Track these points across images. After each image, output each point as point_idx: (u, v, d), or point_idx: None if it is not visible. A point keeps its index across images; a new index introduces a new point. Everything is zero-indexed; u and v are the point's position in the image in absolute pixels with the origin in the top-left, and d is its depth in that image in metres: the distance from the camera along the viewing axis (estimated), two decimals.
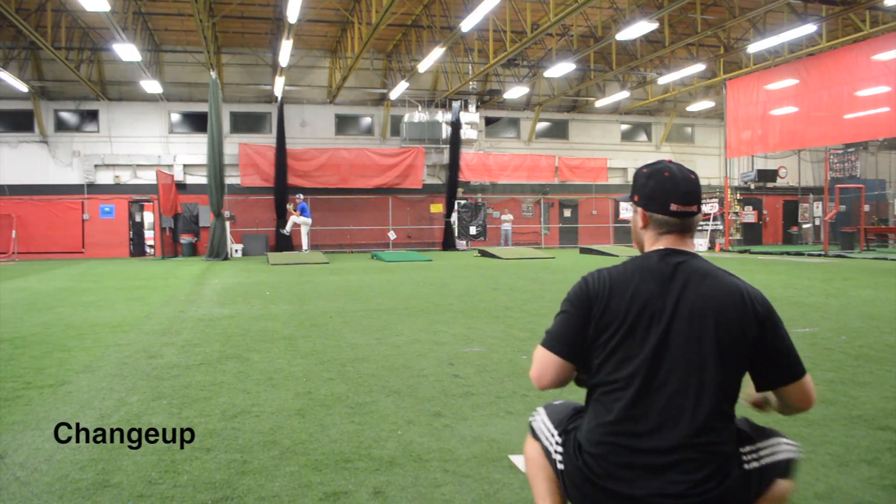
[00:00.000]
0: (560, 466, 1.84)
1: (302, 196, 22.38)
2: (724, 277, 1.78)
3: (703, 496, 1.63)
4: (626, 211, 29.26)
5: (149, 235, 25.81)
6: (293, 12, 15.32)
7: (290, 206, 22.96)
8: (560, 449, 1.85)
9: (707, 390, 1.69)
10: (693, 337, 1.71)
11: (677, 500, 1.63)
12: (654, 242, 1.85)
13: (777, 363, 1.76)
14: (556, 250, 25.61)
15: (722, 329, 1.71)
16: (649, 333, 1.72)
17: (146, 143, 24.96)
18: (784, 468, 1.79)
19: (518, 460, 2.93)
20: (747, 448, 1.77)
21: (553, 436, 1.89)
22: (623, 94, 26.29)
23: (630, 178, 25.35)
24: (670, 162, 1.89)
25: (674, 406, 1.68)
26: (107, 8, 14.16)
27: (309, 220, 21.99)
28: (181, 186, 24.73)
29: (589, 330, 1.78)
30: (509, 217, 27.17)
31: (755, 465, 1.75)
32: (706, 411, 1.68)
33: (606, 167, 28.86)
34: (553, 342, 1.83)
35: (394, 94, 24.65)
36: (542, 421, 1.95)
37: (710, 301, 1.72)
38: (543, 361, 1.84)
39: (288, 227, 22.20)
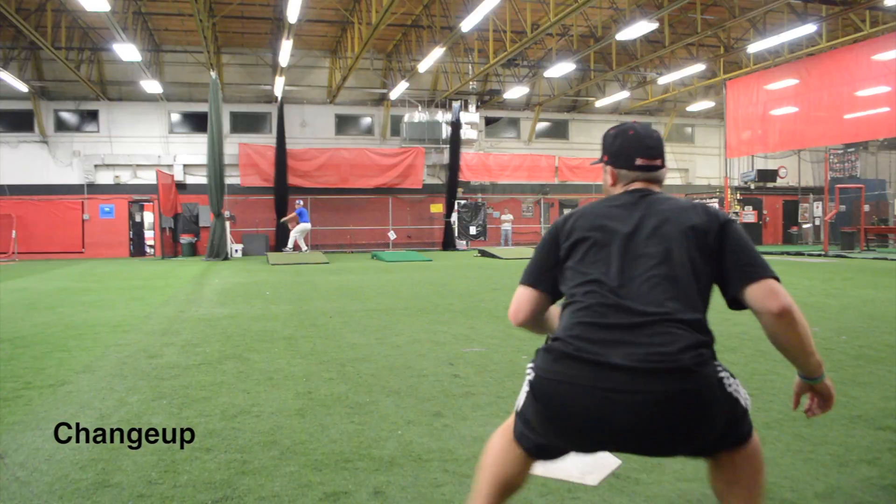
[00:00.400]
0: (529, 376, 1.82)
1: (301, 202, 21.98)
2: (686, 200, 1.95)
3: (676, 363, 1.63)
4: None
5: (149, 235, 25.80)
6: (293, 12, 15.32)
7: (291, 216, 22.12)
8: (531, 364, 1.84)
9: (679, 282, 1.75)
10: (660, 237, 1.80)
11: (649, 364, 1.63)
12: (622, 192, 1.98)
13: (739, 262, 1.79)
14: None
15: (686, 229, 1.80)
16: (617, 238, 1.83)
17: (146, 143, 24.96)
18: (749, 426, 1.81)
19: None
20: (727, 374, 1.76)
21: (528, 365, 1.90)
22: (623, 94, 26.28)
23: None
24: (634, 122, 2.03)
25: (648, 290, 1.74)
26: (107, 8, 14.17)
27: (308, 226, 21.61)
28: (181, 186, 24.73)
29: (560, 254, 1.90)
30: (509, 217, 27.16)
31: (732, 389, 1.74)
32: (681, 298, 1.73)
33: None
34: (526, 276, 1.98)
35: (394, 94, 24.65)
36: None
37: (673, 212, 1.85)
38: (519, 296, 1.98)
39: (290, 244, 21.74)
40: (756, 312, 1.78)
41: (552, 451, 1.88)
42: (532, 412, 1.81)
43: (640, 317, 1.70)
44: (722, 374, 1.72)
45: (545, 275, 1.93)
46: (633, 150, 1.95)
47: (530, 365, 1.83)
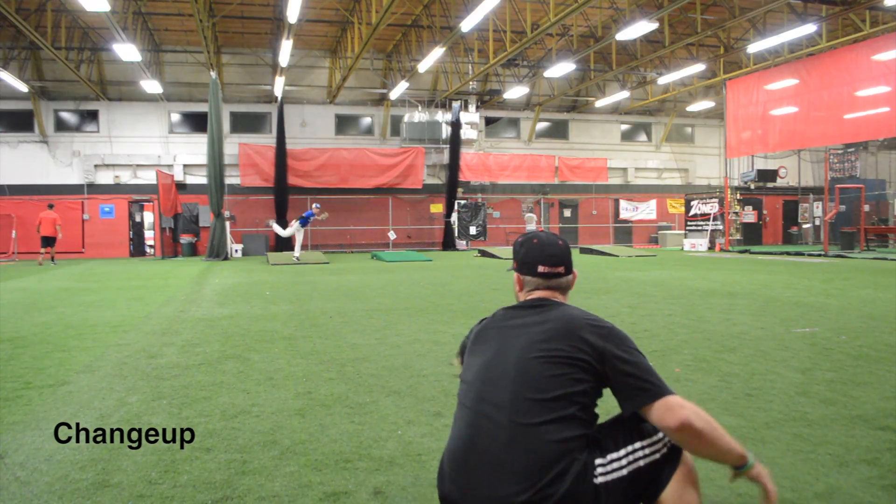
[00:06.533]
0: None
1: (317, 206, 19.80)
2: (569, 312, 1.93)
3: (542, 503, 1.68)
4: (626, 211, 29.35)
5: (149, 235, 25.82)
6: (293, 12, 15.32)
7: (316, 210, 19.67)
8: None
9: (543, 405, 1.76)
10: (521, 357, 1.85)
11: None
12: (526, 298, 2.11)
13: (627, 386, 1.80)
14: None
15: (554, 351, 1.83)
16: (483, 358, 1.97)
17: (146, 143, 24.96)
18: (655, 479, 1.80)
19: None
20: (608, 457, 1.77)
21: None
22: (623, 94, 26.28)
23: (630, 178, 25.19)
24: (540, 231, 2.21)
25: (506, 419, 1.78)
26: (107, 8, 14.17)
27: (297, 225, 19.46)
28: (181, 186, 24.74)
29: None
30: (533, 217, 27.18)
31: (612, 476, 1.75)
32: (544, 424, 1.74)
33: (606, 167, 28.85)
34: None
35: (394, 94, 24.65)
36: None
37: (546, 330, 1.89)
38: None
39: (292, 235, 19.67)
40: (656, 426, 1.78)
41: None
42: None
43: (503, 453, 1.80)
44: (596, 479, 1.74)
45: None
46: (536, 258, 2.07)
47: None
